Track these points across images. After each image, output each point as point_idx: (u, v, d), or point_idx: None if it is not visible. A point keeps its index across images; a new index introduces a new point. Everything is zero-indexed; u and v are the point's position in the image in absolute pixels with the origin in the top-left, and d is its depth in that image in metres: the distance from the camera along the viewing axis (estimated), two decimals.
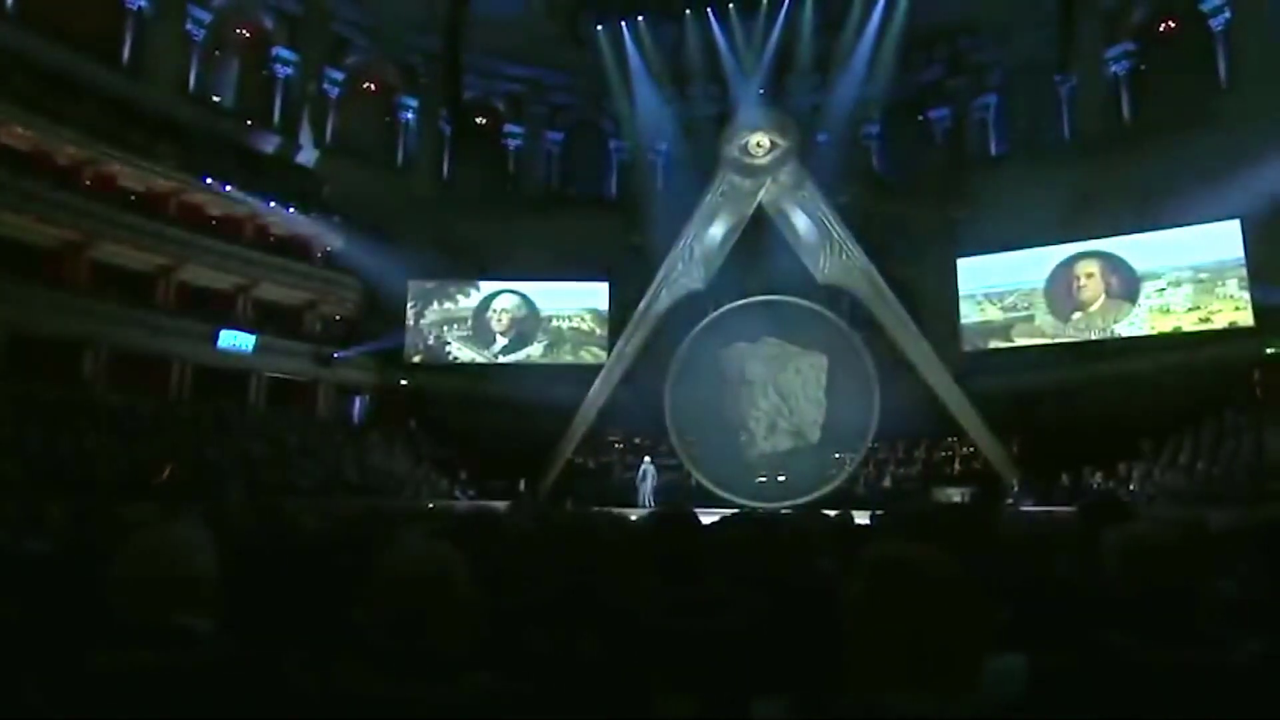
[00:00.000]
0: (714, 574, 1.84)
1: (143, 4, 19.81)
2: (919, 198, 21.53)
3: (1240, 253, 16.22)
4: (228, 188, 19.56)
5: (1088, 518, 2.10)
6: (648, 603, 1.72)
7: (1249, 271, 16.08)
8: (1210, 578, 1.82)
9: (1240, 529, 2.07)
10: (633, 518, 4.87)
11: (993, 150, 22.78)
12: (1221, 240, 16.48)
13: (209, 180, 19.26)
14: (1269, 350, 15.47)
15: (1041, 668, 1.25)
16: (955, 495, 16.41)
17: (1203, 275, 16.68)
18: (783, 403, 18.62)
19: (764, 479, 18.05)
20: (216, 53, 22.12)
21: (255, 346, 18.99)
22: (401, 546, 1.35)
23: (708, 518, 3.99)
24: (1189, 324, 16.78)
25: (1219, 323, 16.42)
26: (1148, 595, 1.51)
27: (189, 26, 20.78)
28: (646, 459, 18.03)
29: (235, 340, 18.66)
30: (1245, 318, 16.02)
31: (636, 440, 20.19)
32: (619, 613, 1.71)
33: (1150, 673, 1.40)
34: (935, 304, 19.99)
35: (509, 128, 25.92)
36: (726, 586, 1.76)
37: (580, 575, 2.20)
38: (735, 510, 4.43)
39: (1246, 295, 16.02)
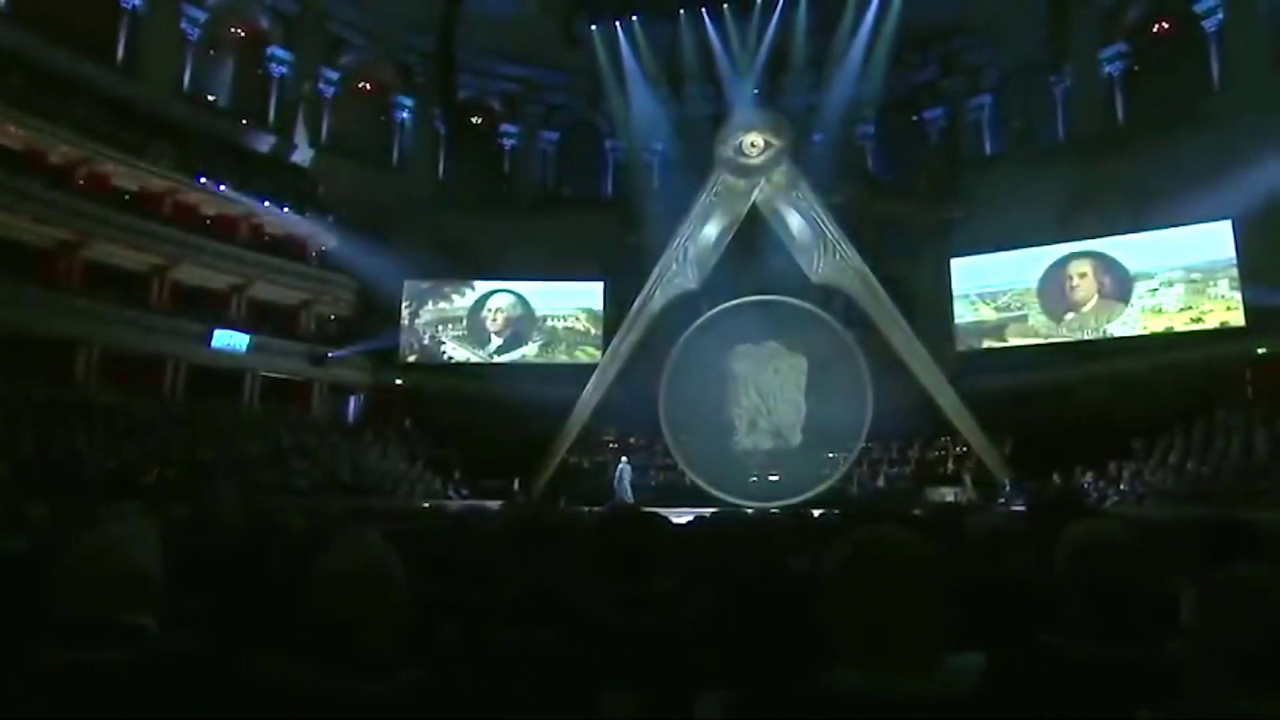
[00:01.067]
0: (667, 571, 1.86)
1: (137, 3, 19.81)
2: (914, 197, 21.58)
3: (1232, 253, 16.28)
4: (222, 187, 19.57)
5: (1039, 517, 2.13)
6: (596, 600, 1.74)
7: (1241, 272, 16.13)
8: (1160, 576, 1.84)
9: (1192, 525, 2.09)
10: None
11: (987, 150, 22.84)
12: (1213, 241, 16.54)
13: (203, 180, 19.26)
14: (1260, 350, 15.51)
15: (998, 667, 1.26)
16: (948, 495, 16.46)
17: (1194, 275, 16.74)
18: (761, 401, 18.69)
19: (757, 478, 18.08)
20: (211, 52, 22.12)
21: (249, 346, 18.98)
22: (339, 546, 1.37)
23: (685, 517, 4.01)
24: (1181, 324, 16.83)
25: (1210, 323, 16.48)
26: (1090, 593, 1.53)
27: (184, 25, 20.78)
28: (623, 459, 18.13)
29: (229, 340, 18.66)
30: (1236, 318, 16.07)
31: (631, 440, 20.24)
32: (567, 610, 1.73)
33: (1082, 670, 1.42)
34: (930, 303, 20.05)
35: (505, 127, 25.95)
36: (676, 584, 1.78)
37: (544, 573, 2.22)
38: (718, 510, 4.42)
39: (1238, 295, 16.07)
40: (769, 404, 18.74)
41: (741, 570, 2.22)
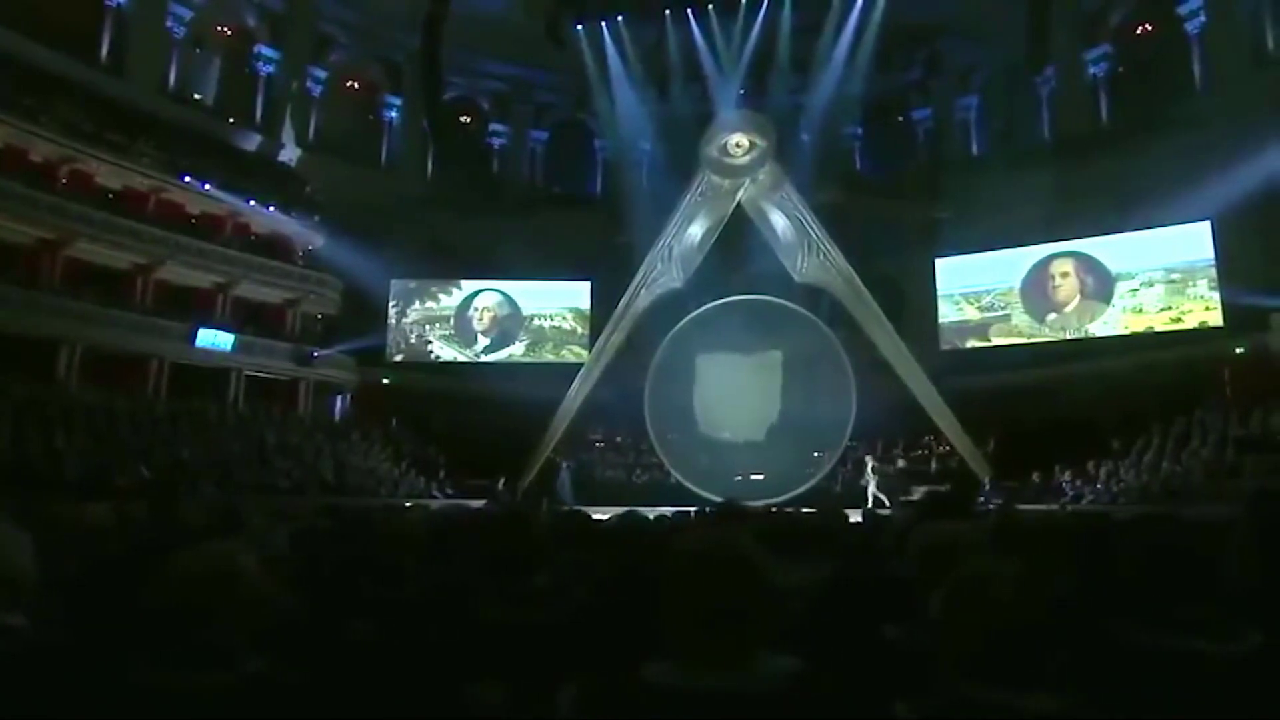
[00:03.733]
0: (551, 568, 1.92)
1: (122, 1, 19.76)
2: (901, 197, 21.67)
3: (1211, 253, 16.41)
4: (207, 186, 19.52)
5: (922, 514, 2.19)
6: (476, 595, 1.79)
7: (1223, 272, 16.25)
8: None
9: (1069, 524, 2.15)
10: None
11: (974, 151, 22.97)
12: (1193, 241, 16.68)
13: (188, 179, 19.22)
14: (1238, 350, 15.64)
15: (811, 671, 1.30)
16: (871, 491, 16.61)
17: (1174, 276, 16.88)
18: (735, 400, 18.79)
19: (741, 477, 18.11)
20: (197, 50, 22.09)
21: (234, 345, 18.96)
22: (196, 545, 1.41)
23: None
24: (1161, 324, 16.97)
25: (1190, 323, 16.61)
26: (934, 590, 1.59)
27: (169, 24, 20.75)
28: (564, 463, 18.22)
29: (214, 339, 18.63)
30: (1215, 318, 16.21)
31: (618, 439, 20.28)
32: (448, 604, 1.78)
33: (916, 660, 1.47)
34: (917, 303, 20.16)
35: (493, 126, 25.99)
36: (554, 581, 1.84)
37: (445, 571, 2.27)
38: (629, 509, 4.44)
39: (1217, 296, 16.20)
40: (744, 402, 18.82)
41: (635, 568, 2.27)
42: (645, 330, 19.30)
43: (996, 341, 19.14)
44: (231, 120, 22.03)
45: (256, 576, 1.38)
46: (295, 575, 2.01)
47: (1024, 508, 11.84)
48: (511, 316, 22.27)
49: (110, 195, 18.26)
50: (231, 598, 1.33)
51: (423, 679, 1.62)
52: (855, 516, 7.62)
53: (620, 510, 3.71)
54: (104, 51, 19.54)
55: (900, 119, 23.77)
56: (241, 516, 4.83)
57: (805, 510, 6.54)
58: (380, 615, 1.78)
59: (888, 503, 15.05)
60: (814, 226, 18.23)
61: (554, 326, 22.29)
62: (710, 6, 20.16)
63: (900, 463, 17.14)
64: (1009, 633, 1.06)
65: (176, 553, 1.37)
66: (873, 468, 16.50)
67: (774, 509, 8.69)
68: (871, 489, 16.19)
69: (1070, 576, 2.01)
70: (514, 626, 1.75)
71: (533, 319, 22.26)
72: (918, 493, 16.58)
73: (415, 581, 1.96)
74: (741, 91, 20.51)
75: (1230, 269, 15.94)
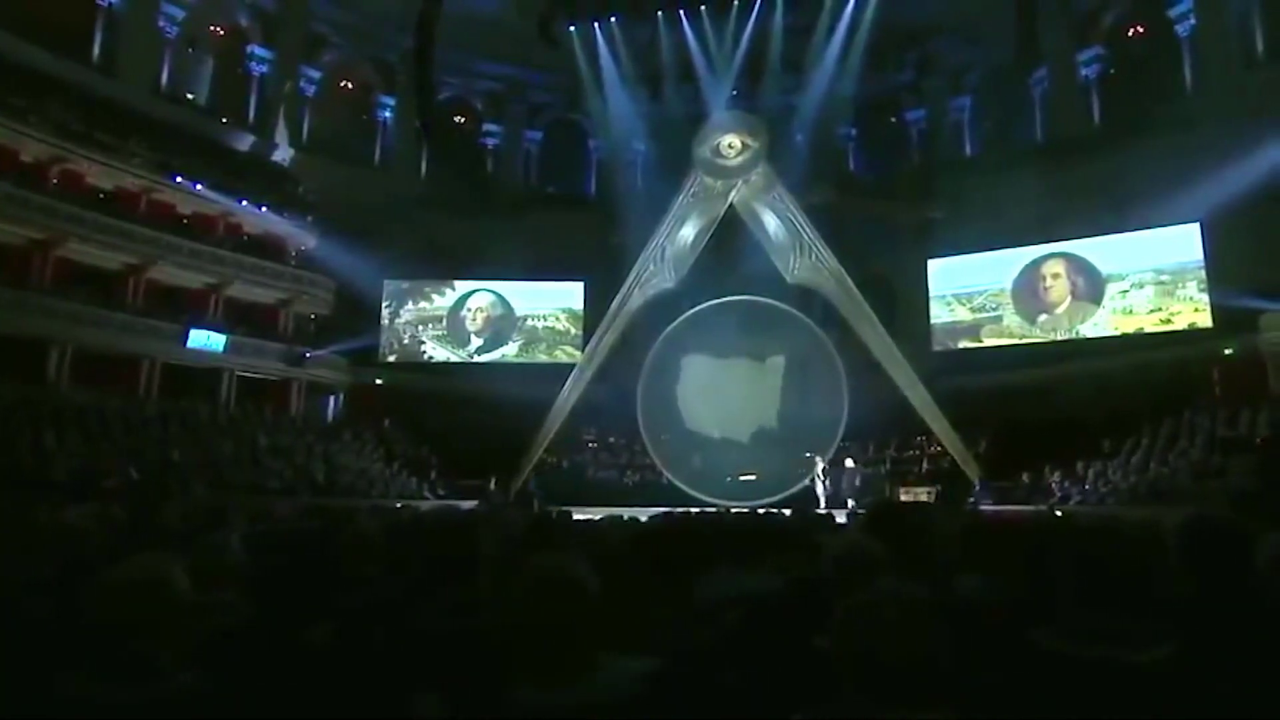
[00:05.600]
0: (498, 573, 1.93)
1: (114, 0, 19.72)
2: (894, 198, 21.71)
3: (1200, 255, 16.48)
4: (199, 186, 19.48)
5: (870, 523, 2.21)
6: (419, 603, 1.81)
7: (1212, 273, 16.31)
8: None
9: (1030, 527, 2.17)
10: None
11: (968, 151, 23.01)
12: (1182, 243, 16.73)
13: (180, 179, 19.18)
14: (1226, 351, 15.70)
15: (667, 670, 1.36)
16: (921, 494, 16.63)
17: (1164, 277, 16.95)
18: (727, 401, 18.80)
19: (731, 478, 18.14)
20: (190, 50, 22.06)
21: (226, 346, 18.93)
22: (127, 558, 1.42)
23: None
24: (1150, 325, 17.03)
25: (1179, 324, 16.67)
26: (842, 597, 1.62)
27: (162, 24, 20.72)
28: (534, 479, 18.27)
29: (206, 340, 18.60)
30: (1204, 319, 16.27)
31: (611, 439, 20.30)
32: (391, 613, 1.79)
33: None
34: (910, 304, 20.19)
35: (487, 126, 25.98)
36: (495, 587, 1.85)
37: (405, 577, 2.28)
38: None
39: (1205, 297, 16.26)
40: (734, 403, 18.84)
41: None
42: (638, 331, 19.31)
43: (988, 342, 19.20)
44: (224, 120, 22.01)
45: (187, 588, 1.39)
46: (246, 581, 2.02)
47: (1011, 508, 11.91)
48: (505, 317, 22.28)
49: (102, 195, 18.22)
50: (159, 610, 1.34)
51: (361, 687, 1.63)
52: (841, 517, 7.68)
53: (612, 511, 3.75)
54: (96, 51, 19.51)
55: (893, 120, 23.82)
56: (228, 518, 4.83)
57: (784, 512, 6.58)
58: (327, 622, 1.80)
59: (823, 503, 15.16)
60: (806, 227, 18.26)
61: (547, 327, 22.30)
62: (703, 7, 20.17)
63: (849, 463, 17.10)
64: (896, 653, 1.09)
65: (110, 565, 1.38)
66: (821, 469, 16.51)
67: (760, 510, 8.74)
68: (819, 489, 16.20)
69: (1017, 583, 2.04)
70: (452, 634, 1.76)
71: (526, 319, 22.26)
72: (911, 494, 16.68)
73: (367, 588, 1.97)
74: (734, 92, 20.54)
75: (1219, 271, 16.00)
